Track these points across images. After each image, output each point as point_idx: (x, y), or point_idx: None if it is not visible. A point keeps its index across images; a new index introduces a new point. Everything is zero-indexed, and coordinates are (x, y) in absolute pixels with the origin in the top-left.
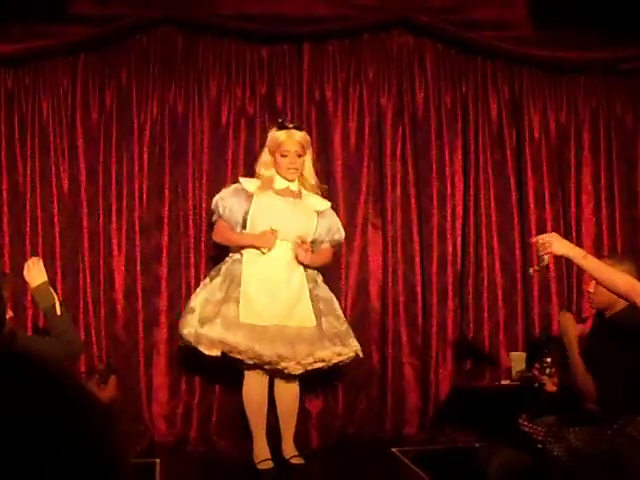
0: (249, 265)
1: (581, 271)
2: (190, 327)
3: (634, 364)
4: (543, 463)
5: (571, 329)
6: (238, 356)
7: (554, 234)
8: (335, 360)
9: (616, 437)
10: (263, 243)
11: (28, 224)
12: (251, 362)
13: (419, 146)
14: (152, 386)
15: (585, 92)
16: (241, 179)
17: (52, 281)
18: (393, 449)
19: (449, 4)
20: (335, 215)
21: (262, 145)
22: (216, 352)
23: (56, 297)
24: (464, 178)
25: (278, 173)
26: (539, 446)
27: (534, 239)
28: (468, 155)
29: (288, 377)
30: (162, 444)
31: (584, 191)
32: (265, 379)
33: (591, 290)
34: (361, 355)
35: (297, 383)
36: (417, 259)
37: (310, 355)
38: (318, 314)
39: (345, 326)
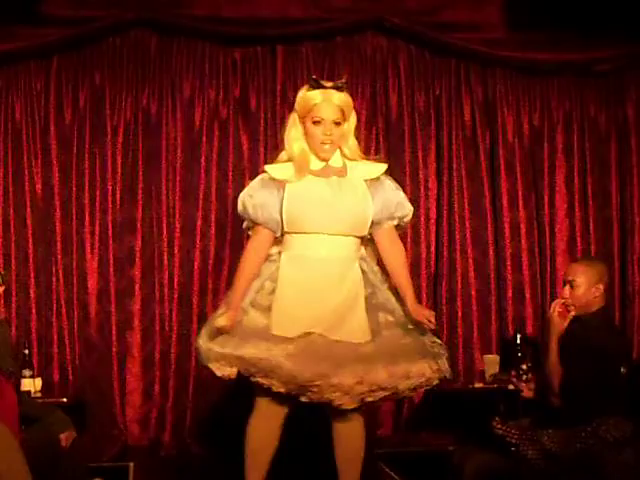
0: (288, 267)
1: (554, 271)
2: (199, 339)
3: (604, 365)
4: (517, 465)
5: (557, 327)
6: (260, 379)
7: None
8: (403, 386)
9: (589, 439)
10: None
11: (0, 226)
12: (278, 389)
13: (392, 149)
14: (125, 390)
15: (559, 94)
16: (267, 166)
17: (25, 284)
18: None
19: (423, 6)
20: (394, 184)
21: (236, 148)
22: (229, 372)
23: None
24: (437, 180)
25: (310, 149)
26: (513, 449)
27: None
28: (441, 157)
29: (345, 412)
30: (136, 448)
31: (557, 193)
32: (282, 412)
33: (566, 296)
34: (447, 376)
35: (360, 421)
36: None
37: (361, 382)
38: (376, 328)
39: (421, 340)
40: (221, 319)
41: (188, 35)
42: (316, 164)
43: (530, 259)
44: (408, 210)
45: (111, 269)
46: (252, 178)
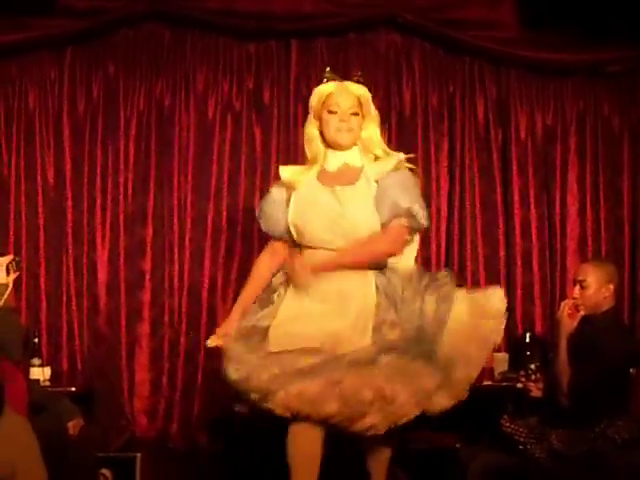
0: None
1: (564, 271)
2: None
3: (614, 366)
4: (524, 464)
5: (566, 327)
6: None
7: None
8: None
9: (598, 440)
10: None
11: (12, 215)
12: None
13: (405, 146)
14: (134, 381)
15: (572, 93)
16: (281, 168)
17: (35, 273)
18: None
19: (437, 3)
20: (410, 178)
21: (249, 141)
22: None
23: None
24: (449, 178)
25: (327, 142)
26: (520, 447)
27: None
28: (454, 155)
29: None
30: (143, 439)
31: (569, 192)
32: (319, 431)
33: (576, 296)
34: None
35: (388, 449)
36: None
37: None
38: (381, 349)
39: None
40: (210, 339)
41: (202, 28)
42: (332, 163)
43: (540, 258)
44: (416, 208)
45: (121, 260)
46: (264, 171)
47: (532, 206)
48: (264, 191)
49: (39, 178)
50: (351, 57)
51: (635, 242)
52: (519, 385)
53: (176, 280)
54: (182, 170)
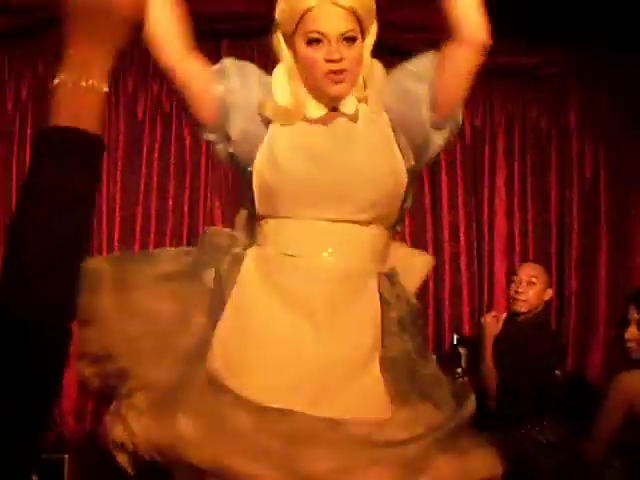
0: (255, 272)
1: (492, 273)
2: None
3: (540, 368)
4: None
5: (491, 329)
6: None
7: None
8: None
9: (523, 442)
10: None
11: None
12: None
13: None
14: (61, 382)
15: (501, 96)
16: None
17: None
18: None
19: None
20: None
21: (178, 141)
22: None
23: None
24: None
25: (307, 87)
26: None
27: None
28: None
29: None
30: (71, 440)
31: (497, 194)
32: None
33: (520, 290)
34: None
35: None
36: None
37: None
38: (399, 395)
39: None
40: None
41: None
42: (316, 110)
43: (468, 260)
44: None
45: None
46: (193, 173)
47: (460, 207)
48: (193, 192)
49: None
50: None
51: (562, 244)
52: None
53: None
54: (111, 171)
